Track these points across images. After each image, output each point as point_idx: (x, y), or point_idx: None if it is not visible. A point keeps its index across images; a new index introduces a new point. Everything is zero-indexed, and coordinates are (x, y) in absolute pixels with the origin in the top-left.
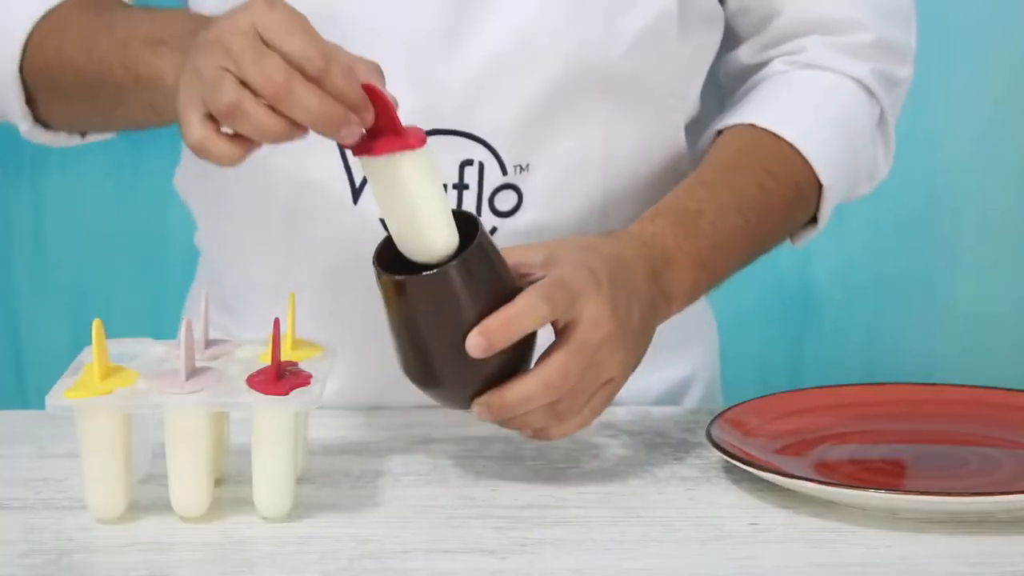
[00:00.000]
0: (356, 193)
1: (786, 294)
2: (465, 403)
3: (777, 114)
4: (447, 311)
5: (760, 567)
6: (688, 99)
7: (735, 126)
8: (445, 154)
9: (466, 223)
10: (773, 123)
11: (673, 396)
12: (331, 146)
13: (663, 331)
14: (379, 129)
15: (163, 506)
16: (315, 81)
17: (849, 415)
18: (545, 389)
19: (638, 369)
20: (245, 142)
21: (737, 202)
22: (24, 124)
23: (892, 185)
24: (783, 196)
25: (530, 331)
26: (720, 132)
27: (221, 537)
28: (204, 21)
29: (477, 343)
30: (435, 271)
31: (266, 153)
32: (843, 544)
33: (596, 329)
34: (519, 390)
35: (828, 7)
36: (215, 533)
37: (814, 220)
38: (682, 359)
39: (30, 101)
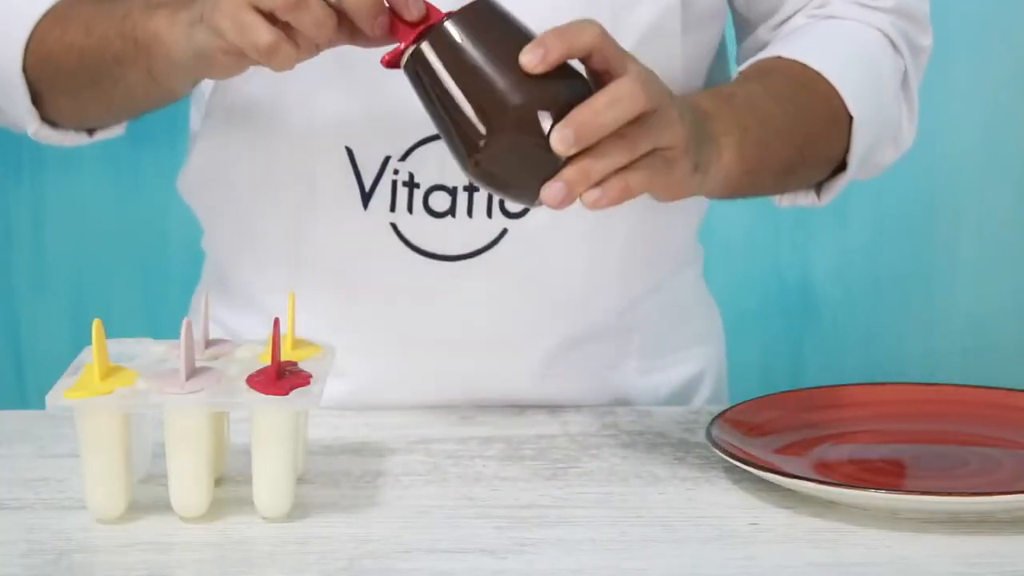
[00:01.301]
0: (366, 198)
1: (786, 294)
2: (546, 165)
3: (806, 50)
4: (490, 48)
5: (760, 567)
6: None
7: (763, 58)
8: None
9: None
10: (803, 56)
11: (683, 395)
12: (341, 152)
13: (672, 331)
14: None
15: (163, 506)
16: None
17: (849, 415)
18: (632, 89)
19: (646, 370)
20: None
21: (773, 92)
22: (32, 125)
23: (891, 184)
24: (817, 108)
25: (586, 42)
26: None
27: (221, 537)
28: None
29: (533, 55)
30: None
31: (275, 158)
32: (843, 544)
33: (653, 77)
34: (607, 94)
35: None
36: (215, 533)
37: (841, 169)
38: (691, 358)
39: (36, 101)
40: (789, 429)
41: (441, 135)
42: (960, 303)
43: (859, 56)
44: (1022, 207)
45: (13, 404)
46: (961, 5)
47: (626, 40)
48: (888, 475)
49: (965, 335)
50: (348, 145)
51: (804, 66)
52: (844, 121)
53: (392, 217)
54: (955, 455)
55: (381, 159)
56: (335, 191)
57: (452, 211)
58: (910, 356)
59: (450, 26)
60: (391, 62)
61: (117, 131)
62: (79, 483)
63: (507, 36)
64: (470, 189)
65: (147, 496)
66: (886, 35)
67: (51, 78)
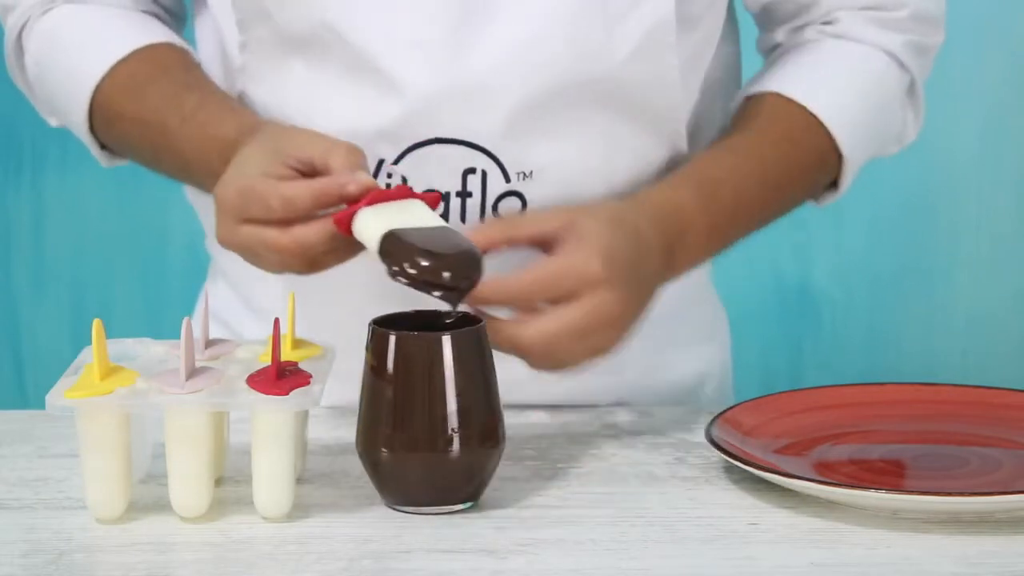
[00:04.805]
0: None
1: (786, 294)
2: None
3: (802, 83)
4: (435, 375)
5: (760, 567)
6: (685, 106)
7: (761, 94)
8: (448, 163)
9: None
10: (797, 93)
11: (686, 395)
12: None
13: (674, 332)
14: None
15: (163, 506)
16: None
17: (849, 415)
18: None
19: (650, 369)
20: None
21: (760, 170)
22: (103, 161)
23: (890, 185)
24: (804, 163)
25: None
26: (748, 98)
27: (221, 537)
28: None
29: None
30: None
31: None
32: (843, 544)
33: (595, 315)
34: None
35: None
36: (215, 533)
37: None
38: (695, 358)
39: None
40: (789, 429)
41: (362, 399)
42: (960, 303)
43: (859, 87)
44: (1020, 206)
45: (13, 404)
46: (959, 5)
47: (620, 52)
48: (888, 475)
49: (965, 335)
50: None
51: (800, 107)
52: (836, 156)
53: None
54: (955, 455)
55: (375, 161)
56: None
57: (444, 216)
58: (910, 356)
59: (402, 344)
60: (340, 221)
61: None
62: (79, 483)
63: (464, 372)
64: (463, 195)
65: (147, 496)
66: (894, 56)
67: (112, 138)
